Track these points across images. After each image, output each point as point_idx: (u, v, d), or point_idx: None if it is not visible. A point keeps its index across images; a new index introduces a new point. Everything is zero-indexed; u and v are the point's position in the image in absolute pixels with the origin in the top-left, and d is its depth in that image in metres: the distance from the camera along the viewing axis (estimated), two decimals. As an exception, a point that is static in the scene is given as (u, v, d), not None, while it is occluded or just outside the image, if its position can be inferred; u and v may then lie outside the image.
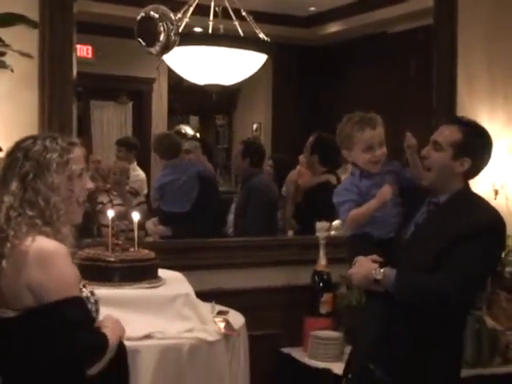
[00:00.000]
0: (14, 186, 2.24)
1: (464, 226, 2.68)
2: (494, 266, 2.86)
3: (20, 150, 2.28)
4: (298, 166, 5.01)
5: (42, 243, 2.19)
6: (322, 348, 3.75)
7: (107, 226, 3.13)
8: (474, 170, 2.83)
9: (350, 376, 2.98)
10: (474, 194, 2.86)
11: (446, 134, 2.79)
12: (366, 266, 2.75)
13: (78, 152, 2.35)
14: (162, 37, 3.90)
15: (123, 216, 3.99)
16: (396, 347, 2.74)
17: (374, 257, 2.77)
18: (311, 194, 4.73)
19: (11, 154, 2.30)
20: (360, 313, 3.19)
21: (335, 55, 7.27)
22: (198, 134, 7.47)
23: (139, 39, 3.98)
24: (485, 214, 2.76)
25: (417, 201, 2.90)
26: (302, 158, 4.96)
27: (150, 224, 5.00)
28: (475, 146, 2.78)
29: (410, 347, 2.72)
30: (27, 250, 2.17)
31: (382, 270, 2.70)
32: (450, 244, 2.64)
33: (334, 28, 7.24)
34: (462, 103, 4.45)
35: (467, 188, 2.84)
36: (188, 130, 7.14)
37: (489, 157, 2.84)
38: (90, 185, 2.42)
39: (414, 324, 2.70)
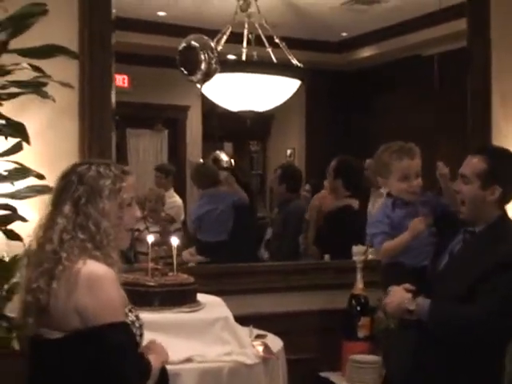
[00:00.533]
0: (67, 209, 2.28)
1: (504, 254, 2.68)
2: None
3: (75, 174, 2.32)
4: (323, 191, 5.02)
5: (92, 267, 2.22)
6: (361, 372, 3.74)
7: (144, 254, 3.17)
8: (508, 195, 2.83)
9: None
10: (511, 222, 2.86)
11: (471, 165, 2.81)
12: (399, 295, 2.77)
13: (130, 181, 2.39)
14: (203, 65, 3.97)
15: (160, 243, 4.03)
16: (429, 377, 2.73)
17: (407, 285, 2.79)
18: (331, 219, 4.75)
19: (66, 176, 2.34)
20: (395, 339, 3.18)
21: (368, 80, 7.28)
22: (232, 161, 7.52)
23: (181, 68, 4.04)
24: None
25: (451, 230, 2.91)
26: (326, 182, 4.97)
27: (187, 254, 5.01)
28: (502, 172, 2.79)
29: (445, 377, 2.70)
30: (78, 272, 2.21)
31: (415, 300, 2.71)
32: (488, 272, 2.64)
33: (366, 53, 7.25)
34: (498, 127, 4.42)
35: (504, 215, 2.84)
36: (223, 156, 7.19)
37: None
38: (139, 214, 2.45)
39: (449, 353, 2.67)
